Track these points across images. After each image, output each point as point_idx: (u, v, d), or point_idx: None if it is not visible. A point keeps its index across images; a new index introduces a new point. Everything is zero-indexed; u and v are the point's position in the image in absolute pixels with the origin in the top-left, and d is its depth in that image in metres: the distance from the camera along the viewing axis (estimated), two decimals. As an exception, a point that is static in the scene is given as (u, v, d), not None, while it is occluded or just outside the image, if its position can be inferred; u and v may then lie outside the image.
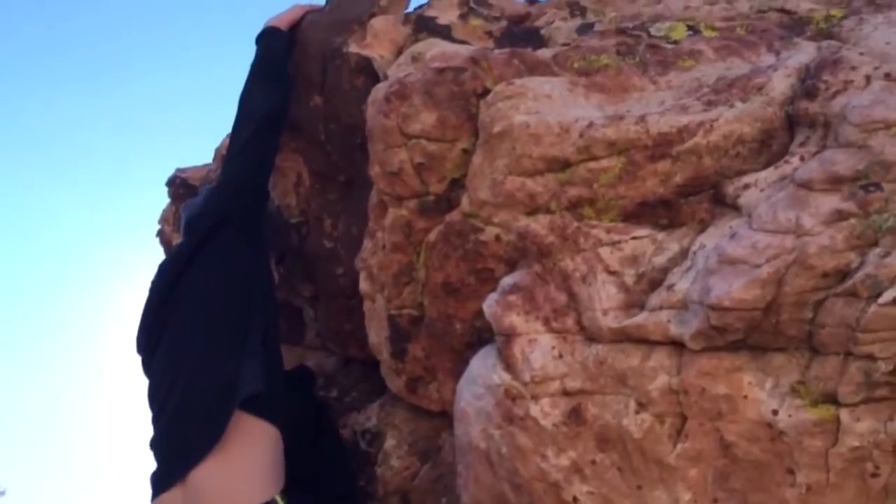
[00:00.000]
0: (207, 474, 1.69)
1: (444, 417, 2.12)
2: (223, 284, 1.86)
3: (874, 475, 1.46)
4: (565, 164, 1.69)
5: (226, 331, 1.79)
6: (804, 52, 1.76)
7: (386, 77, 1.97)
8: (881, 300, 1.35)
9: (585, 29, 2.05)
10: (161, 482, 1.76)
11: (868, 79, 1.57)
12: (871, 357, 1.39)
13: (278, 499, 1.74)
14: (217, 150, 3.02)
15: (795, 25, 1.95)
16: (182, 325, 1.85)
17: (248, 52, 2.11)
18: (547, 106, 1.73)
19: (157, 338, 1.91)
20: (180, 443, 1.75)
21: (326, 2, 2.21)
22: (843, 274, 1.41)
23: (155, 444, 1.85)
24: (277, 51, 2.11)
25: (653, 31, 1.96)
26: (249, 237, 1.98)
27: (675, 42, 1.91)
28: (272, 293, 2.04)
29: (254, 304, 1.87)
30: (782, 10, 2.01)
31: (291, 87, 2.13)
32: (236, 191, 1.98)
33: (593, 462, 1.67)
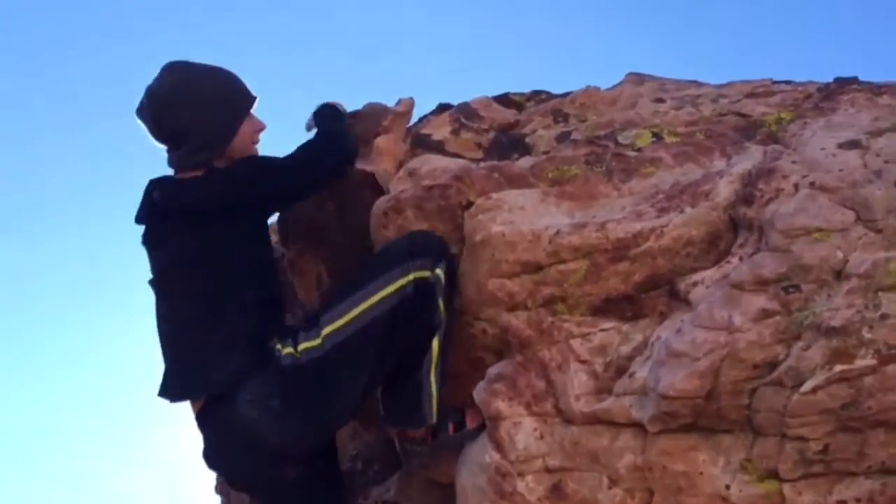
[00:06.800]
0: None
1: (454, 489, 2.33)
2: (230, 256, 2.02)
3: (821, 544, 1.62)
4: (538, 267, 1.94)
5: (220, 303, 1.98)
6: (750, 158, 1.98)
7: (387, 190, 2.26)
8: (803, 389, 1.54)
9: (563, 137, 2.31)
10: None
11: (797, 187, 1.79)
12: (802, 438, 1.58)
13: None
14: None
15: (750, 128, 2.17)
16: (187, 267, 2.02)
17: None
18: (520, 216, 1.98)
19: (157, 242, 2.09)
20: (175, 375, 2.05)
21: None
22: (773, 365, 1.61)
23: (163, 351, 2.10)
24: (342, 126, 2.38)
25: (620, 139, 2.21)
26: (264, 227, 2.22)
27: (639, 150, 2.15)
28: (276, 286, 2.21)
29: (251, 285, 2.03)
30: (739, 114, 2.23)
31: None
32: (293, 193, 2.22)
33: (575, 532, 1.87)
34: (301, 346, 1.93)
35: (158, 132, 2.12)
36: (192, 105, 2.08)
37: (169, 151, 2.14)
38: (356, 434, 2.86)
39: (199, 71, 2.15)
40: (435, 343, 2.01)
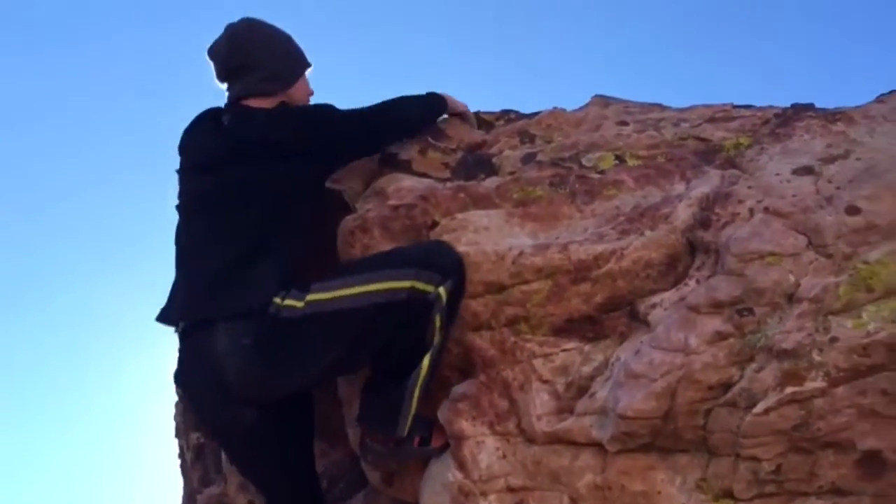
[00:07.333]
0: None
1: (418, 507, 2.34)
2: (286, 193, 2.09)
3: (775, 563, 1.65)
4: (501, 287, 1.96)
5: (269, 234, 2.04)
6: (708, 182, 2.03)
7: (355, 209, 2.27)
8: (755, 410, 1.58)
9: (529, 159, 2.34)
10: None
11: (752, 211, 1.83)
12: (755, 458, 1.61)
13: None
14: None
15: (709, 152, 2.22)
16: (236, 196, 2.07)
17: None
18: (485, 237, 2.01)
19: (206, 169, 2.14)
20: (183, 297, 2.08)
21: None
22: (728, 386, 1.64)
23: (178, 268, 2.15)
24: (440, 110, 2.51)
25: (584, 161, 2.24)
26: (323, 174, 2.27)
27: (602, 172, 2.19)
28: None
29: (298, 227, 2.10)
30: (699, 138, 2.28)
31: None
32: (362, 141, 2.27)
33: (536, 551, 1.88)
34: (286, 302, 1.98)
35: (229, 62, 2.25)
36: (267, 39, 2.30)
37: (231, 87, 2.28)
38: (322, 453, 2.85)
39: (272, 25, 2.36)
40: (426, 361, 2.00)
